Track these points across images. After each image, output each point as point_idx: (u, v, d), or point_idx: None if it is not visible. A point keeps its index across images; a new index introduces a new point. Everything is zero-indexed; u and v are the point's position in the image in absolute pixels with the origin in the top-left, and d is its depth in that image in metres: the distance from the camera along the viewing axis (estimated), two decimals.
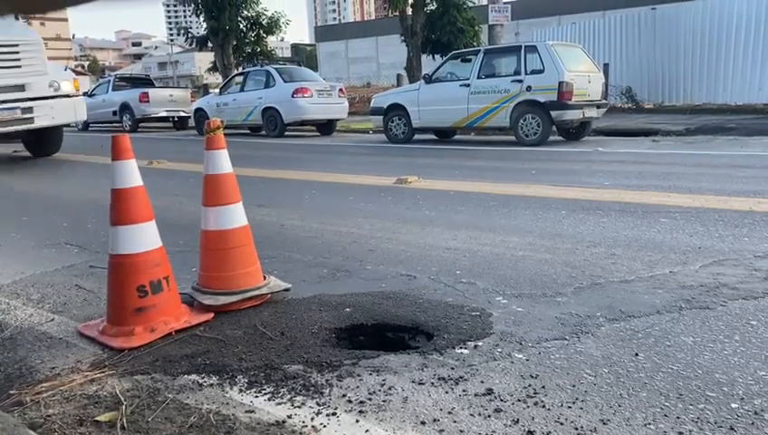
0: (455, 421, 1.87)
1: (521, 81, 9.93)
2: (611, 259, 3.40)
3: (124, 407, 2.02)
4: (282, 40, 38.41)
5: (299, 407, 2.00)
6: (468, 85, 10.55)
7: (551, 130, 10.00)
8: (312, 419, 1.92)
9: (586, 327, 2.49)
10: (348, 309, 2.82)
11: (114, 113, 19.49)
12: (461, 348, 2.36)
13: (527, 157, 8.41)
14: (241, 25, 24.85)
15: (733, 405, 1.87)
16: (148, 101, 18.81)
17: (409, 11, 20.71)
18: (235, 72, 19.90)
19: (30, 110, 9.10)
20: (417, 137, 11.82)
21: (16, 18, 8.70)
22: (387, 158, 9.32)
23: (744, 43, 13.40)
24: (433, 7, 20.77)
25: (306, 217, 4.97)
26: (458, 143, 11.32)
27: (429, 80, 11.28)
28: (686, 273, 3.10)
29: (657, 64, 15.19)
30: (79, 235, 4.58)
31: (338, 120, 15.12)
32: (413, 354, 2.34)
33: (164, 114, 19.33)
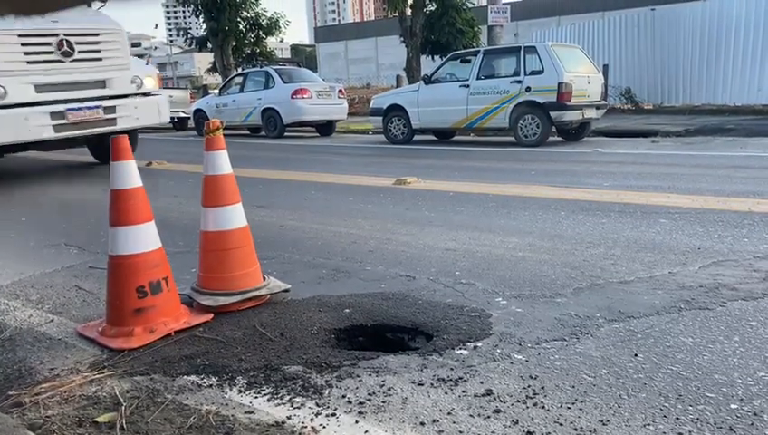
0: (454, 422, 1.87)
1: (520, 81, 9.94)
2: (611, 260, 3.40)
3: (123, 408, 2.02)
4: (281, 41, 38.42)
5: (298, 408, 2.00)
6: (468, 86, 10.56)
7: (550, 131, 10.00)
8: (312, 419, 1.92)
9: (585, 328, 2.49)
10: (347, 310, 2.82)
11: None
12: (460, 349, 2.36)
13: (526, 157, 8.42)
14: (240, 26, 24.84)
15: (732, 406, 1.87)
16: None
17: (409, 12, 20.72)
18: (235, 72, 19.89)
19: (112, 109, 7.87)
20: (416, 138, 11.83)
21: (88, 6, 8.16)
22: (386, 158, 9.32)
23: (743, 44, 13.41)
24: (432, 8, 20.78)
25: (306, 217, 4.97)
26: (458, 144, 11.32)
27: (429, 81, 11.29)
28: (686, 274, 3.10)
29: (656, 65, 15.19)
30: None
31: (337, 120, 15.12)
32: (412, 355, 2.34)
33: None
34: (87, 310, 3.01)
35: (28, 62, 7.05)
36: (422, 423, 1.87)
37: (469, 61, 10.90)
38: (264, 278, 3.02)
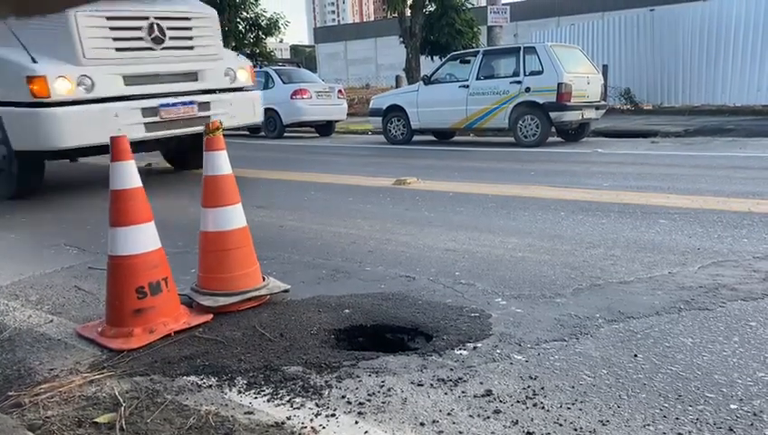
0: (454, 423, 1.87)
1: (520, 82, 9.94)
2: (610, 260, 3.40)
3: (123, 408, 2.02)
4: (281, 41, 38.40)
5: (298, 408, 2.00)
6: (467, 86, 10.56)
7: (549, 132, 10.00)
8: (312, 420, 1.92)
9: (585, 328, 2.49)
10: (347, 310, 2.82)
11: None
12: (460, 349, 2.36)
13: (526, 158, 8.42)
14: (240, 27, 24.83)
15: (732, 406, 1.87)
16: None
17: (408, 12, 20.73)
18: None
19: (207, 106, 6.83)
20: (416, 138, 11.83)
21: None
22: (386, 159, 9.32)
23: (742, 45, 13.42)
24: (432, 9, 20.79)
25: (305, 218, 4.97)
26: (457, 144, 11.32)
27: (428, 81, 11.29)
28: (685, 274, 3.10)
29: (655, 66, 15.20)
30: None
31: (337, 121, 15.12)
32: (412, 356, 2.34)
33: None
34: (86, 310, 3.01)
35: (117, 49, 6.15)
36: (422, 424, 1.87)
37: (469, 61, 10.90)
38: (264, 279, 3.02)
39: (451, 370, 2.20)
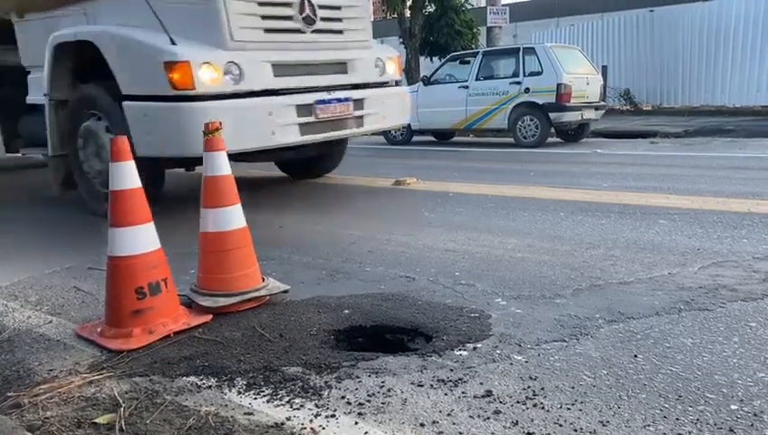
0: (454, 423, 1.87)
1: (519, 82, 9.94)
2: (610, 261, 3.40)
3: (122, 409, 2.02)
4: None
5: (298, 409, 1.99)
6: (467, 87, 10.56)
7: (549, 132, 10.00)
8: (311, 420, 1.92)
9: (585, 329, 2.49)
10: (347, 311, 2.82)
11: None
12: (460, 350, 2.36)
13: (525, 158, 8.42)
14: None
15: (732, 407, 1.87)
16: None
17: (407, 13, 20.72)
18: None
19: (361, 104, 5.57)
20: (415, 138, 11.83)
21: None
22: (385, 159, 9.32)
23: (741, 45, 13.43)
24: (431, 9, 20.78)
25: (305, 218, 4.97)
26: (457, 145, 11.33)
27: (428, 82, 11.29)
28: (685, 274, 3.10)
29: (655, 66, 15.21)
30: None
31: None
32: (412, 356, 2.34)
33: None
34: (86, 311, 3.00)
35: (265, 31, 4.94)
36: (422, 424, 1.87)
37: (468, 62, 10.90)
38: (264, 279, 3.02)
39: (451, 370, 2.20)
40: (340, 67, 5.50)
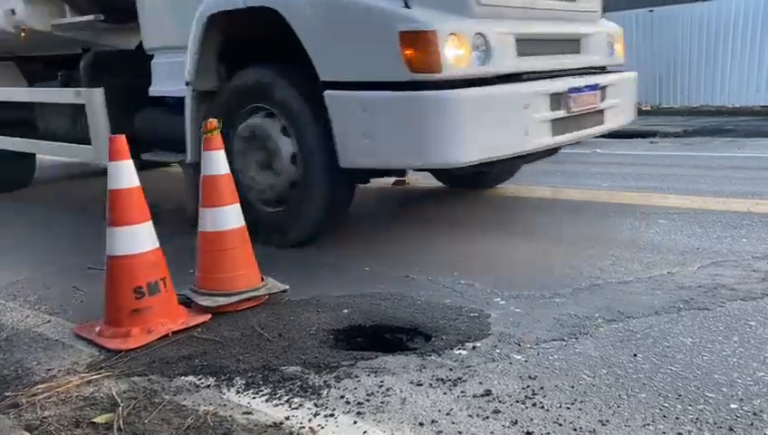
0: (453, 422, 1.86)
1: None
2: (609, 260, 3.39)
3: (121, 409, 2.02)
4: None
5: (297, 408, 1.99)
6: None
7: None
8: (310, 420, 1.91)
9: (584, 328, 2.49)
10: (345, 310, 2.81)
11: None
12: (459, 349, 2.35)
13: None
14: None
15: (732, 406, 1.87)
16: None
17: None
18: None
19: (604, 93, 4.25)
20: None
21: None
22: None
23: (741, 46, 13.43)
24: None
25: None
26: None
27: None
28: (685, 274, 3.09)
29: (654, 66, 15.19)
30: None
31: None
32: (411, 355, 2.34)
33: None
34: (84, 311, 3.00)
35: None
36: (421, 424, 1.87)
37: None
38: (263, 279, 3.01)
39: (450, 370, 2.19)
40: (574, 45, 4.22)
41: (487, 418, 1.88)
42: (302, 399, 2.05)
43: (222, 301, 2.82)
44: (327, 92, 3.40)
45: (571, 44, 4.20)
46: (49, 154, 6.35)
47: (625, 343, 2.34)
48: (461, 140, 3.26)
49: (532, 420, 1.86)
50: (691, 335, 2.37)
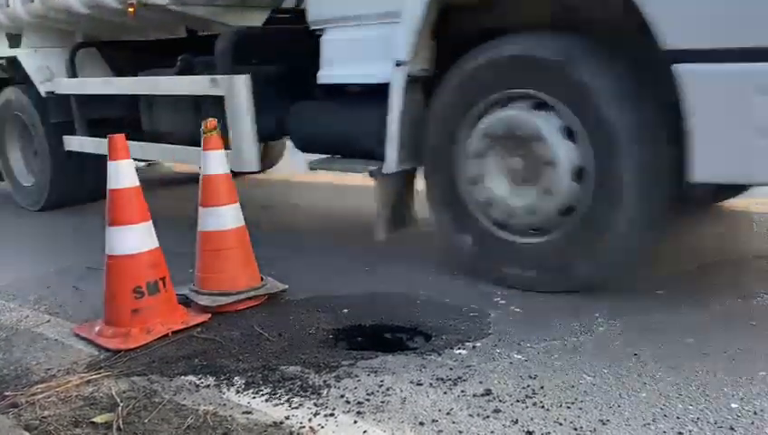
0: (453, 422, 1.86)
1: None
2: None
3: (120, 408, 2.01)
4: None
5: (297, 408, 1.99)
6: None
7: None
8: (310, 420, 1.91)
9: (584, 327, 2.48)
10: (345, 310, 2.81)
11: None
12: (459, 349, 2.35)
13: None
14: None
15: (733, 405, 1.86)
16: None
17: None
18: None
19: None
20: None
21: None
22: None
23: None
24: None
25: (303, 217, 4.96)
26: None
27: None
28: (684, 273, 3.09)
29: None
30: None
31: None
32: (411, 355, 2.34)
33: None
34: (84, 310, 2.99)
35: None
36: (421, 423, 1.86)
37: None
38: (262, 278, 3.01)
39: (450, 369, 2.19)
40: None
41: (488, 417, 1.88)
42: (302, 398, 2.04)
43: (221, 300, 2.81)
44: (681, 67, 2.30)
45: None
46: (164, 159, 5.67)
47: (625, 342, 2.34)
48: None
49: (532, 419, 1.85)
50: (692, 334, 2.36)
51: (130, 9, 4.02)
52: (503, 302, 2.81)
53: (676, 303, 2.69)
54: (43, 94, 4.99)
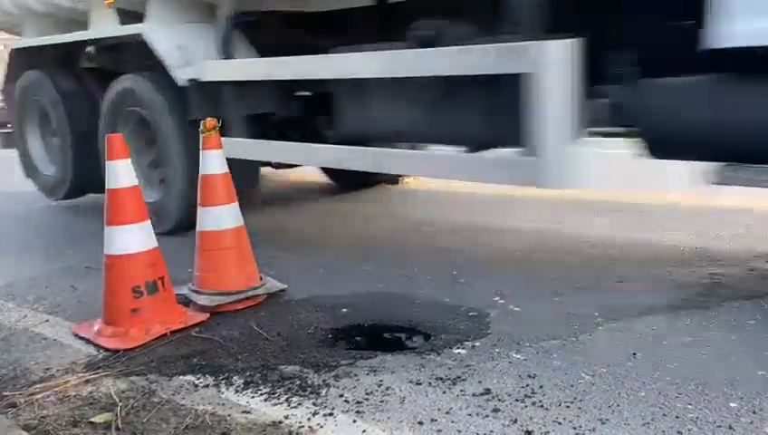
0: (452, 421, 1.86)
1: None
2: (608, 259, 3.39)
3: (119, 408, 2.01)
4: None
5: (295, 407, 1.98)
6: None
7: None
8: (309, 419, 1.91)
9: (584, 327, 2.48)
10: (344, 310, 2.81)
11: None
12: (458, 348, 2.35)
13: None
14: None
15: (732, 404, 1.86)
16: None
17: None
18: None
19: None
20: None
21: None
22: None
23: None
24: None
25: (302, 217, 4.96)
26: None
27: None
28: (684, 273, 3.09)
29: None
30: None
31: None
32: (410, 355, 2.33)
33: None
34: (83, 310, 2.99)
35: None
36: (420, 422, 1.86)
37: None
38: (261, 278, 3.01)
39: (449, 368, 2.19)
40: None
41: (487, 416, 1.88)
42: (301, 398, 2.04)
43: (220, 300, 2.81)
44: None
45: None
46: (419, 174, 3.94)
47: (624, 341, 2.34)
48: None
49: (531, 418, 1.85)
50: (690, 334, 2.36)
51: None
52: (502, 302, 2.82)
53: (675, 303, 2.69)
54: (180, 83, 3.89)
